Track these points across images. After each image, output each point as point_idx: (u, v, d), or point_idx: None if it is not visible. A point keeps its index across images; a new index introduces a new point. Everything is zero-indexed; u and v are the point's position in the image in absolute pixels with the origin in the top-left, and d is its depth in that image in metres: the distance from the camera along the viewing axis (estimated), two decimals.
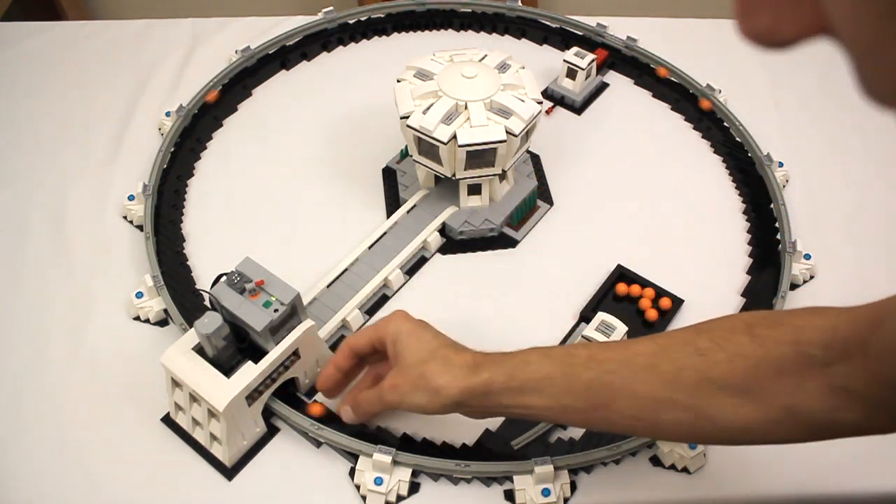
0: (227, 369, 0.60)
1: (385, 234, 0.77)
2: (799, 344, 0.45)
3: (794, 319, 0.47)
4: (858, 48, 0.23)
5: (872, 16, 0.21)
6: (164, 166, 0.85)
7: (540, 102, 0.73)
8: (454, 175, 0.74)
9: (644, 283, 0.74)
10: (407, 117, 0.71)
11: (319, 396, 0.66)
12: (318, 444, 0.64)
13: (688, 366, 0.48)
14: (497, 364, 0.53)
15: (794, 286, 0.75)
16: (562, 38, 1.02)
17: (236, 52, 0.97)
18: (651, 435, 0.58)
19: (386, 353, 0.59)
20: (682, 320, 0.72)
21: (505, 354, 0.54)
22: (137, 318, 0.72)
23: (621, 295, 0.73)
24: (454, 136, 0.69)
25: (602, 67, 0.98)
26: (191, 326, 0.60)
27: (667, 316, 0.72)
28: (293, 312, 0.60)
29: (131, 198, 0.80)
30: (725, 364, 0.47)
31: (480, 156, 0.71)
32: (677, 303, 0.73)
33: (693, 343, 0.48)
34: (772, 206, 0.81)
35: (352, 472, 0.62)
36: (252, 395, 0.60)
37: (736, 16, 0.25)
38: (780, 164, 0.85)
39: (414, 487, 0.61)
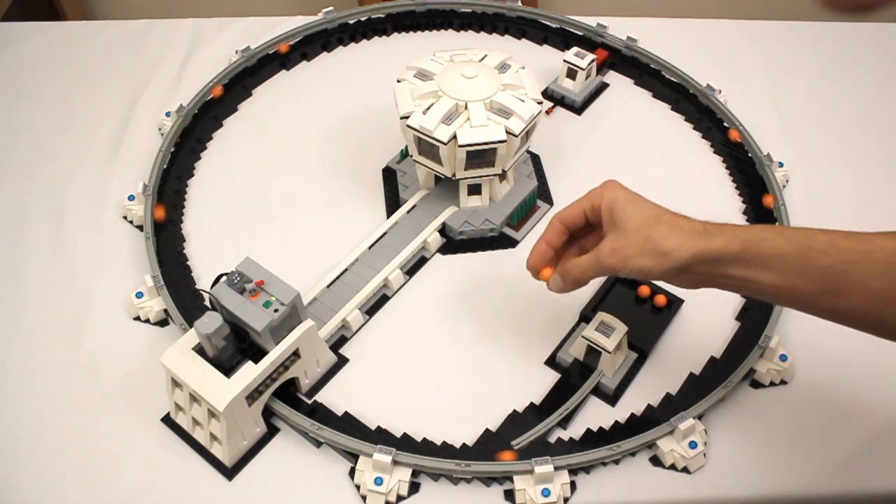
0: (227, 369, 0.60)
1: (385, 234, 0.77)
2: None
3: None
4: None
5: None
6: (164, 166, 0.85)
7: (540, 102, 0.73)
8: (454, 175, 0.74)
9: (643, 283, 0.74)
10: (407, 117, 0.71)
11: None
12: (318, 444, 0.64)
13: None
14: (731, 234, 0.52)
15: None
16: (562, 38, 1.02)
17: (236, 52, 0.97)
18: (872, 330, 0.56)
19: (597, 224, 0.58)
20: (681, 320, 0.72)
21: (737, 226, 0.53)
22: (137, 318, 0.72)
23: (643, 297, 0.73)
24: (454, 136, 0.69)
25: (602, 67, 0.98)
26: (191, 326, 0.60)
27: (666, 313, 0.72)
28: (293, 312, 0.60)
29: (131, 198, 0.80)
30: None
31: (480, 156, 0.71)
32: (677, 303, 0.73)
33: None
34: (772, 206, 0.81)
35: (352, 472, 0.62)
36: (252, 395, 0.60)
37: None
38: (781, 164, 0.86)
39: (414, 487, 0.61)
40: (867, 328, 0.54)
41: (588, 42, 1.01)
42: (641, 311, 0.72)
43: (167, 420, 0.65)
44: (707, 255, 0.52)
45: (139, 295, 0.72)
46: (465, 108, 0.70)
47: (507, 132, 0.69)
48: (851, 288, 0.49)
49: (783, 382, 0.68)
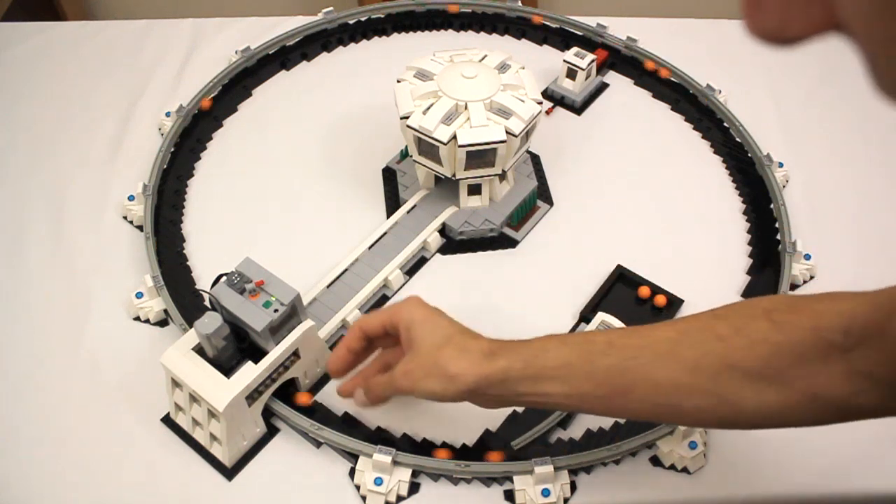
0: (227, 369, 0.60)
1: (385, 234, 0.77)
2: (818, 329, 0.45)
3: (812, 304, 0.47)
4: (872, 45, 0.22)
5: (888, 13, 0.21)
6: (164, 166, 0.85)
7: (540, 103, 0.73)
8: (454, 175, 0.74)
9: (644, 284, 0.74)
10: (407, 117, 0.71)
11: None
12: (318, 445, 0.64)
13: (708, 351, 0.47)
14: (514, 351, 0.52)
15: (794, 286, 0.75)
16: (562, 39, 1.02)
17: (236, 52, 0.97)
18: (672, 421, 0.56)
19: (398, 338, 0.58)
20: None
21: (521, 342, 0.53)
22: (137, 318, 0.72)
23: (644, 298, 0.73)
24: (454, 137, 0.69)
25: (602, 67, 0.98)
26: (191, 326, 0.60)
27: (667, 313, 0.72)
28: (293, 312, 0.60)
29: (131, 198, 0.80)
30: (746, 350, 0.46)
31: (480, 156, 0.71)
32: (677, 303, 0.73)
33: (712, 329, 0.48)
34: (772, 206, 0.81)
35: (352, 472, 0.62)
36: (252, 396, 0.60)
37: (743, 12, 0.24)
38: (780, 165, 0.85)
39: (414, 487, 0.61)
40: (672, 420, 0.53)
41: (588, 42, 1.00)
42: (641, 311, 0.72)
43: (167, 420, 0.65)
44: (492, 378, 0.51)
45: (139, 295, 0.72)
46: (465, 108, 0.70)
47: (507, 132, 0.69)
48: (637, 384, 0.49)
49: None
